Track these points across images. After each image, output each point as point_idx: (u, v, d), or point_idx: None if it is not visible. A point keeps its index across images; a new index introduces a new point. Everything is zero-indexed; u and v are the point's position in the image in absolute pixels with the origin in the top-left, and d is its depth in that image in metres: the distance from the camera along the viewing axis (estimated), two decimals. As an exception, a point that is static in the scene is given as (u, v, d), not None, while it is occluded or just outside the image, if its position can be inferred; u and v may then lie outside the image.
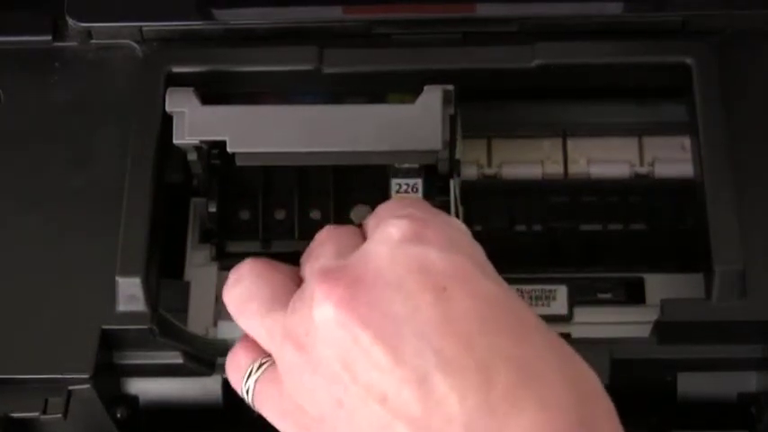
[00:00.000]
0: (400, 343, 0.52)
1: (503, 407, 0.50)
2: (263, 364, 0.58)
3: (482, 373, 0.51)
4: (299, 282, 0.58)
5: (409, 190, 0.70)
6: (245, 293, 0.59)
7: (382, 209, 0.59)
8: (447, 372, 0.51)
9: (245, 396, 0.59)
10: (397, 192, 0.70)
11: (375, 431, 0.52)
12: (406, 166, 0.69)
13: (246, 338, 0.60)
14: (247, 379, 0.59)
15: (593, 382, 0.53)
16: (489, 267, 0.56)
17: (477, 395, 0.50)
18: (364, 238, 0.58)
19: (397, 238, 0.54)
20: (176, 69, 0.70)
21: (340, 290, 0.53)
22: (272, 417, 0.58)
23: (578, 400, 0.51)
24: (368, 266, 0.54)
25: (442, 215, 0.58)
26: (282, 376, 0.56)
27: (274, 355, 0.57)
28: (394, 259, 0.54)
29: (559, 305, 0.72)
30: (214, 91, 0.69)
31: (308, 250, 0.60)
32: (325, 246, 0.58)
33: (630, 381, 0.65)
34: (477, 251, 0.56)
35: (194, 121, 0.67)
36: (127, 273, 0.65)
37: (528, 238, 0.75)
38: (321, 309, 0.53)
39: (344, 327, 0.53)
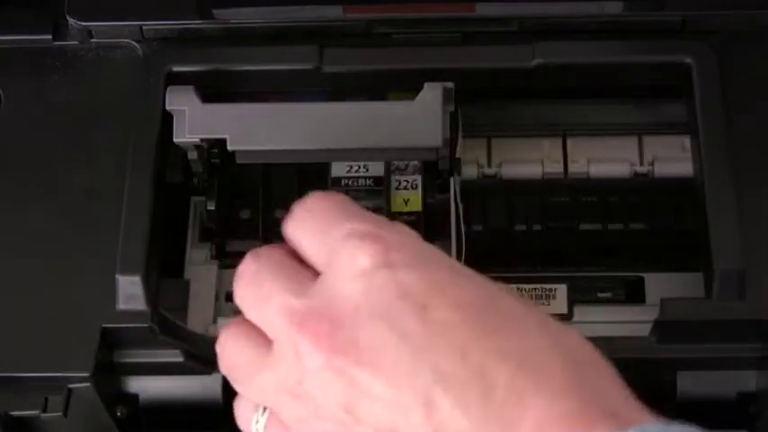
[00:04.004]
0: (397, 369, 0.51)
1: (509, 405, 0.50)
2: (266, 408, 0.57)
3: (480, 379, 0.50)
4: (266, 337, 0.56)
5: (409, 186, 0.70)
6: (227, 363, 0.57)
7: (319, 223, 0.56)
8: (446, 387, 0.50)
9: None
10: (397, 189, 0.70)
11: None
12: (406, 163, 0.69)
13: None
14: (256, 424, 0.57)
15: (589, 352, 0.53)
16: (457, 265, 0.55)
17: (480, 402, 0.50)
18: (295, 255, 0.56)
19: (364, 267, 0.53)
20: (176, 68, 0.70)
21: (324, 336, 0.52)
22: None
23: (582, 377, 0.51)
24: (344, 304, 0.53)
25: (389, 224, 0.56)
26: (289, 424, 0.56)
27: (274, 409, 0.56)
28: (369, 292, 0.52)
29: (559, 304, 0.72)
30: (214, 90, 0.70)
31: (242, 283, 0.57)
32: (267, 280, 0.56)
33: (630, 380, 0.65)
34: (439, 253, 0.55)
35: (194, 120, 0.67)
36: (127, 271, 0.65)
37: (528, 238, 0.74)
38: (311, 359, 0.52)
39: (339, 372, 0.52)
